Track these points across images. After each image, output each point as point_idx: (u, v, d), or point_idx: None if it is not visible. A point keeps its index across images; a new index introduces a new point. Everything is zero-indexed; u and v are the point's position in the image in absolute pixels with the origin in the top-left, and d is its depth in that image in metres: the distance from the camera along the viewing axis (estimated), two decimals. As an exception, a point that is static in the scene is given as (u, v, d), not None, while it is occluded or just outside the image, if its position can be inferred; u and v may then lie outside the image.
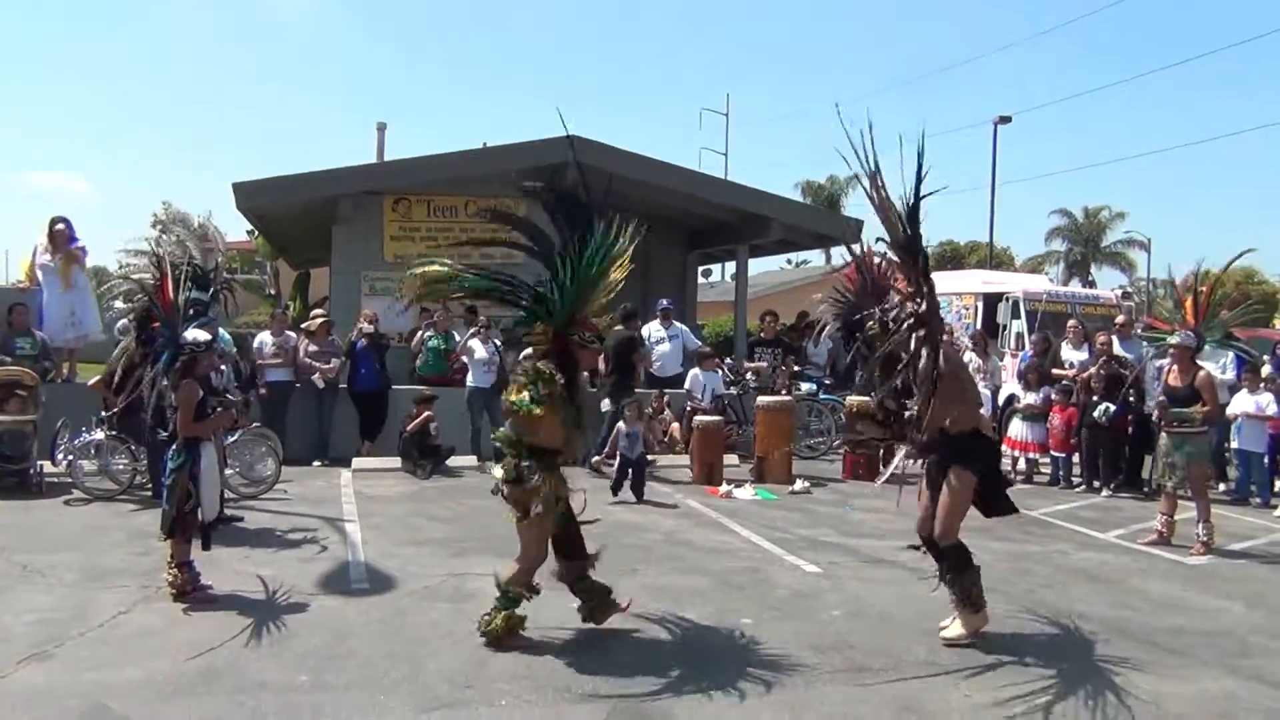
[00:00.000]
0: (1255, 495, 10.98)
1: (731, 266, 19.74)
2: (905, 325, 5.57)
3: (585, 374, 6.32)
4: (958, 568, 5.89)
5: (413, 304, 6.04)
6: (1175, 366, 8.61)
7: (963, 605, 5.88)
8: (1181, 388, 8.48)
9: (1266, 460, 10.98)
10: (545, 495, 5.65)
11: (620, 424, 10.69)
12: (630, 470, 10.26)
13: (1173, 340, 8.55)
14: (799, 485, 11.23)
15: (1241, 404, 10.91)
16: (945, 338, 5.88)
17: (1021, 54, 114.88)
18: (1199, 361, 8.75)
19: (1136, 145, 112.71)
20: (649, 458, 11.06)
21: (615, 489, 10.22)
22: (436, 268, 6.16)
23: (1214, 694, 5.19)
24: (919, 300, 5.56)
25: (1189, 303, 8.68)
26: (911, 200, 5.47)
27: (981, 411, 6.04)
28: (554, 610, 6.32)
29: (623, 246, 5.95)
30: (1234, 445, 11.13)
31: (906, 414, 5.87)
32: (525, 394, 5.59)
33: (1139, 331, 12.11)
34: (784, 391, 12.96)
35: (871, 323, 5.85)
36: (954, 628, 5.88)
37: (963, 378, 5.91)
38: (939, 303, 5.91)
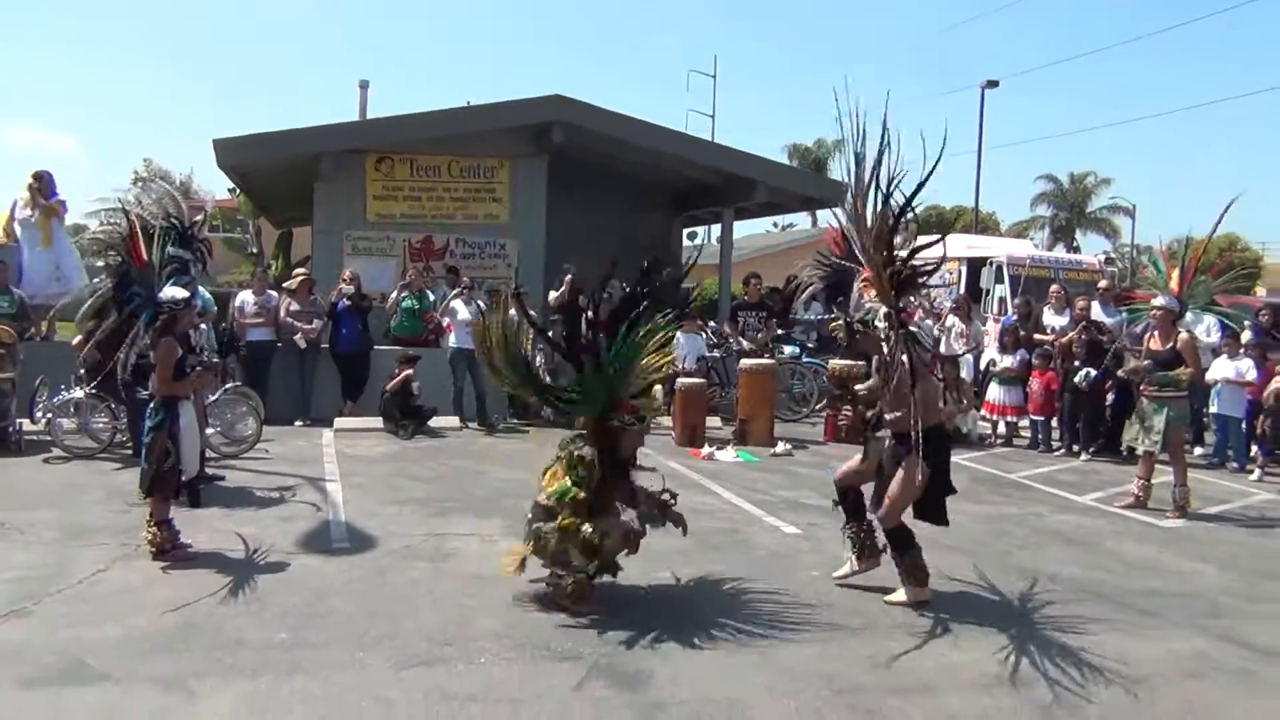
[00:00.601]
0: (1232, 460, 11.08)
1: (717, 230, 19.67)
2: (881, 334, 5.85)
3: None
4: (900, 548, 5.94)
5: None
6: (1157, 331, 8.65)
7: (907, 579, 5.93)
8: (1164, 351, 8.53)
9: (1244, 425, 11.07)
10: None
11: None
12: None
13: (1156, 303, 8.58)
14: (781, 448, 11.27)
15: (1221, 369, 10.99)
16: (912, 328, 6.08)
17: (1011, 18, 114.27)
18: (1179, 326, 8.79)
19: (1124, 111, 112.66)
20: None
21: None
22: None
23: (1184, 653, 5.27)
24: (893, 316, 5.74)
25: (1174, 270, 8.71)
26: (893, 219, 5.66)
27: (940, 405, 6.10)
28: (534, 570, 6.36)
29: (665, 334, 6.04)
30: (1213, 410, 11.22)
31: (870, 414, 6.23)
32: (567, 480, 5.62)
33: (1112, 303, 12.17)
34: (767, 354, 12.98)
35: (836, 325, 6.25)
36: (898, 595, 5.95)
37: (929, 383, 5.93)
38: (915, 309, 6.12)
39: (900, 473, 5.85)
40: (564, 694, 4.49)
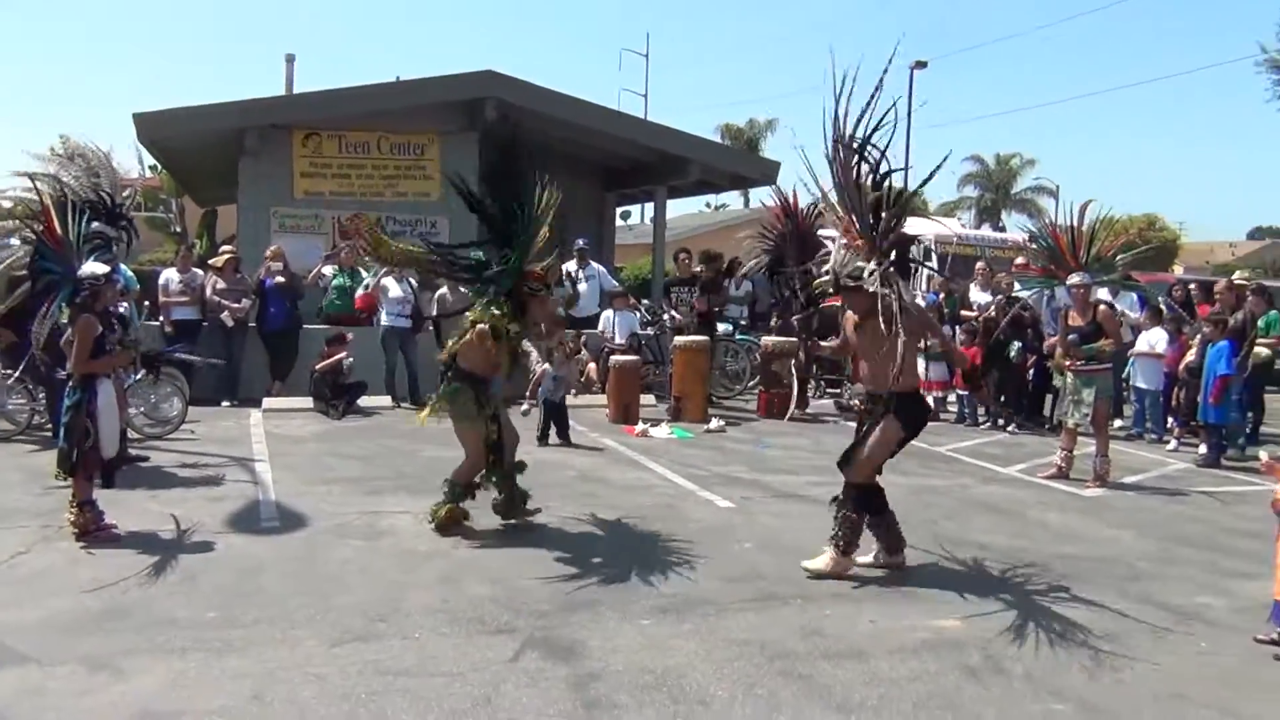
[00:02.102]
0: (1150, 431, 11.44)
1: (650, 210, 19.68)
2: (871, 281, 5.68)
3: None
4: (857, 506, 5.94)
5: (361, 252, 7.53)
6: (1075, 307, 8.87)
7: (835, 542, 5.93)
8: (1085, 325, 8.75)
9: (1161, 398, 11.42)
10: (462, 405, 6.57)
11: (547, 366, 10.55)
12: (553, 416, 10.16)
13: (1072, 280, 8.78)
14: (714, 424, 11.35)
15: (1138, 343, 11.32)
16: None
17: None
18: (1095, 299, 9.05)
19: (1048, 94, 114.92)
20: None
21: (542, 439, 10.04)
22: (405, 245, 7.27)
23: (1103, 615, 5.44)
24: (882, 259, 5.70)
25: (1063, 242, 8.88)
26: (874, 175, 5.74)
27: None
28: (469, 547, 6.36)
29: (552, 200, 6.68)
30: (1132, 383, 11.56)
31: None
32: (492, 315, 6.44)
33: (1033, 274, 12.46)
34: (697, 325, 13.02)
35: (822, 282, 6.19)
36: (819, 561, 5.94)
37: (912, 346, 5.90)
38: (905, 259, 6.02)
39: (877, 432, 5.88)
40: (499, 667, 4.49)
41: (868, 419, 6.05)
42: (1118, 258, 9.34)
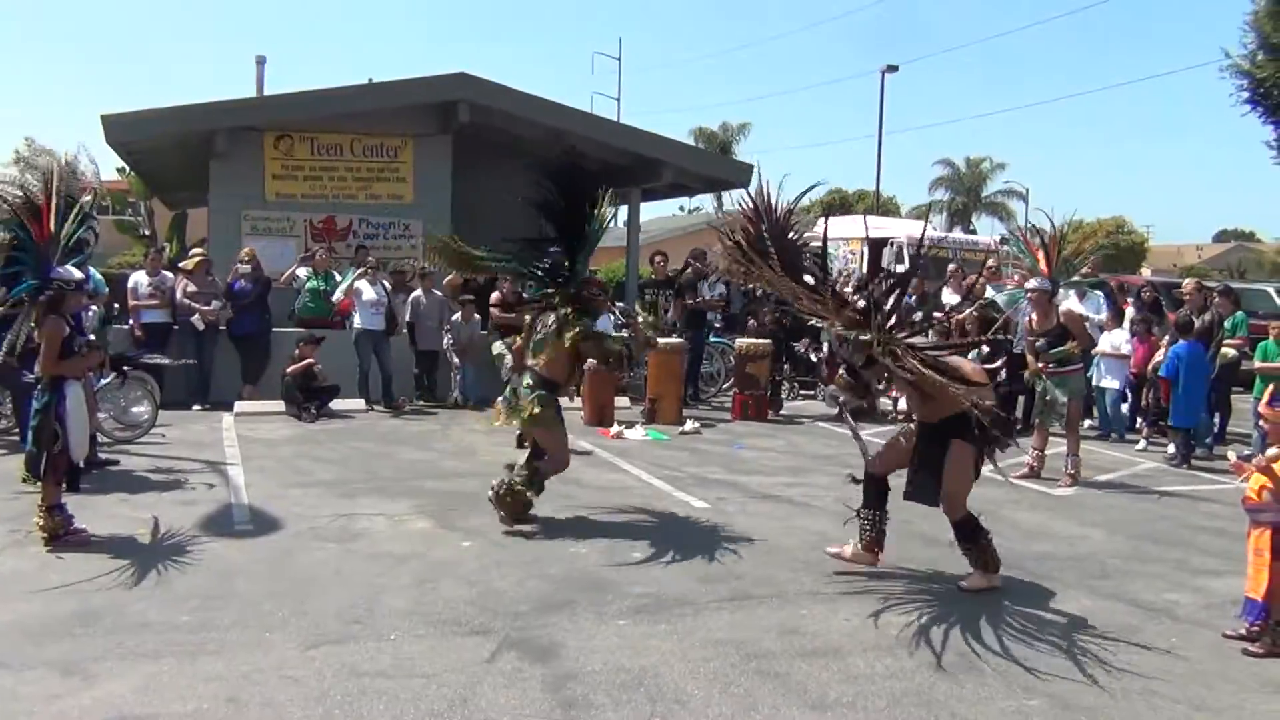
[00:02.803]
0: (1112, 430, 11.55)
1: (625, 213, 19.66)
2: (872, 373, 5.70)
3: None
4: (969, 537, 5.82)
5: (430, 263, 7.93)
6: (1035, 312, 9.00)
7: (980, 565, 5.84)
8: (1052, 329, 8.85)
9: (1128, 397, 11.56)
10: (550, 411, 6.87)
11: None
12: None
13: (1029, 285, 8.90)
14: (689, 425, 11.37)
15: (1100, 343, 11.42)
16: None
17: (912, 3, 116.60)
18: (1058, 301, 9.16)
19: (1018, 98, 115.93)
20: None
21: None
22: (469, 249, 7.72)
23: (1075, 612, 5.50)
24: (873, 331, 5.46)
25: (1040, 254, 9.04)
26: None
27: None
28: (445, 549, 6.34)
29: (606, 211, 7.18)
30: (1095, 383, 11.67)
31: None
32: (571, 333, 6.88)
33: (1010, 285, 12.58)
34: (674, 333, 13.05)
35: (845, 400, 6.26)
36: (972, 580, 5.84)
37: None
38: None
39: (949, 464, 5.68)
40: (475, 668, 4.49)
41: (922, 443, 5.86)
42: (1076, 260, 9.47)
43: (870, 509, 6.11)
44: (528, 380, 7.04)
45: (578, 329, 6.94)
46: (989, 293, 12.33)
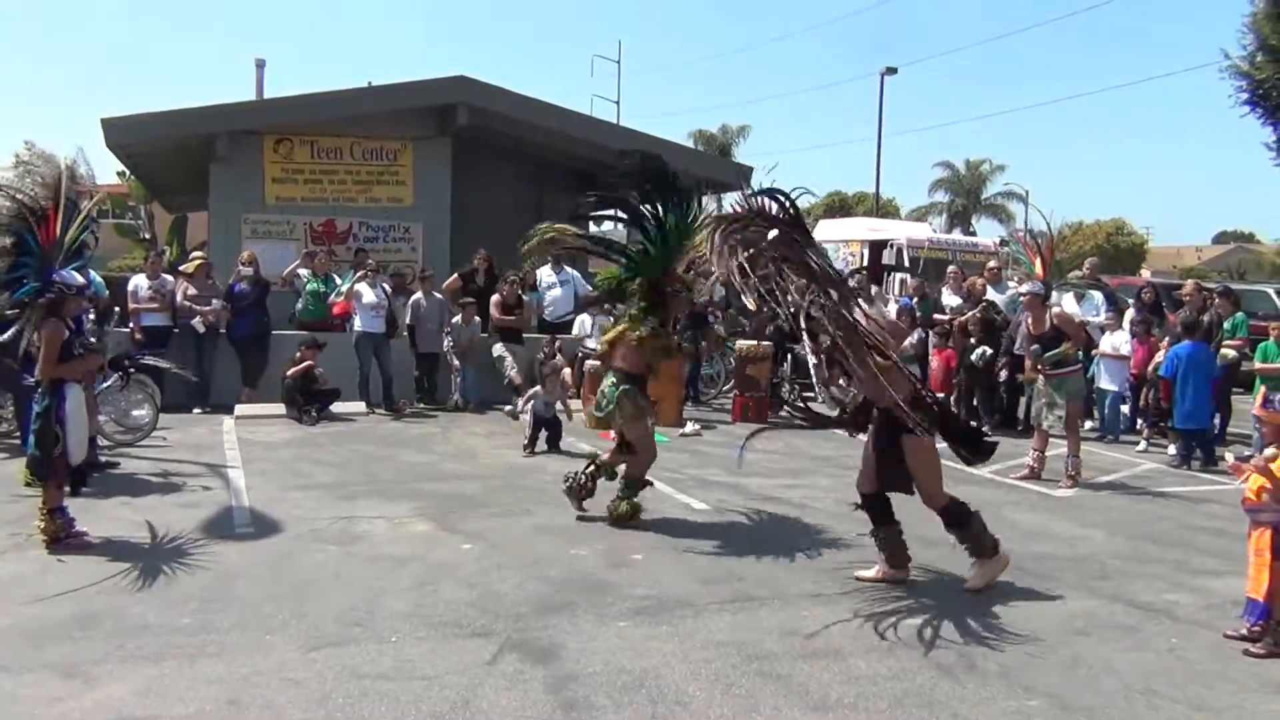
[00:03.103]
0: (1109, 431, 11.55)
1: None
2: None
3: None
4: (957, 523, 5.82)
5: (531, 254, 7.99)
6: (1030, 316, 9.02)
7: (977, 556, 5.83)
8: (1047, 331, 8.88)
9: (1128, 398, 11.56)
10: (636, 404, 7.05)
11: (538, 388, 10.45)
12: (545, 427, 10.09)
13: (1022, 290, 8.93)
14: (690, 428, 11.38)
15: (1101, 344, 11.42)
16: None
17: (910, 6, 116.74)
18: (1051, 304, 9.19)
19: (1018, 99, 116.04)
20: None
21: (530, 445, 9.88)
22: (560, 228, 7.84)
23: (1075, 613, 5.51)
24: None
25: (1037, 259, 9.07)
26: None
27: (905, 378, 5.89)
28: (445, 551, 6.34)
29: (704, 220, 6.93)
30: (1096, 383, 11.68)
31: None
32: (643, 328, 7.09)
33: (1013, 284, 12.59)
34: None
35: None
36: (975, 578, 5.82)
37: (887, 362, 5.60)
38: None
39: (911, 462, 5.69)
40: (476, 669, 4.48)
41: (882, 441, 5.84)
42: (1065, 263, 9.54)
43: (879, 526, 6.00)
44: (611, 379, 7.21)
45: (644, 329, 7.12)
46: (990, 294, 12.36)
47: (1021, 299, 9.00)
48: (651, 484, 7.35)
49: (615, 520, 7.00)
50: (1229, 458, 5.38)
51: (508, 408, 10.27)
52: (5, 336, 6.38)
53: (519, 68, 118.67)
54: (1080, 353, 9.06)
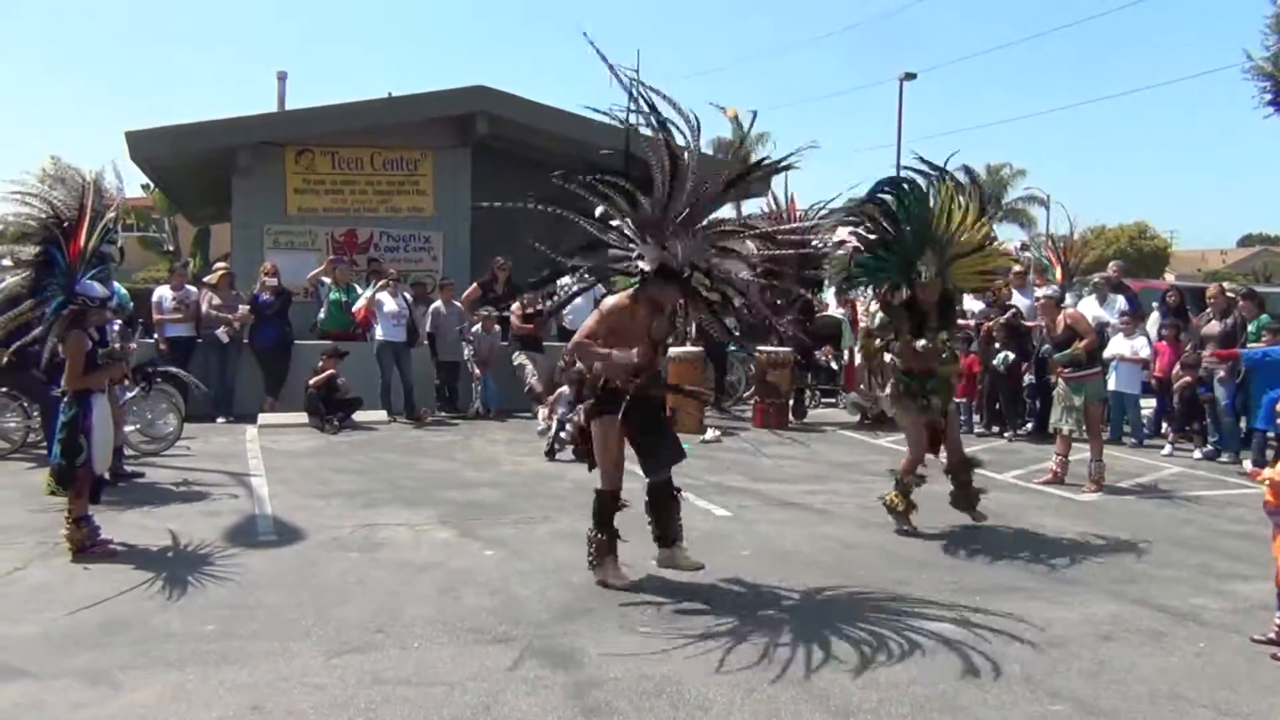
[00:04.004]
0: (1129, 435, 11.44)
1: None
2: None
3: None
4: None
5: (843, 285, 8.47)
6: (1045, 319, 9.03)
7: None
8: (1059, 335, 8.87)
9: (1148, 404, 11.48)
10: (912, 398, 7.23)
11: (564, 389, 10.42)
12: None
13: (1038, 294, 8.94)
14: (710, 434, 11.36)
15: (1117, 347, 11.28)
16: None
17: (928, 11, 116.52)
18: (1066, 306, 9.21)
19: (1037, 104, 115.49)
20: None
21: (551, 454, 9.86)
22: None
23: (1100, 617, 5.46)
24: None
25: (1059, 265, 9.12)
26: None
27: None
28: (466, 558, 6.36)
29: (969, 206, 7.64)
30: (1110, 387, 11.50)
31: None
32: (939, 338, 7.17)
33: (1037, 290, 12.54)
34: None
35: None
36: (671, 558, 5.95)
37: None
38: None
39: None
40: (498, 675, 4.49)
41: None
42: (1080, 265, 9.55)
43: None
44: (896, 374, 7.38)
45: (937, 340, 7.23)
46: (1015, 298, 12.29)
47: (1038, 303, 8.99)
48: (923, 480, 7.41)
49: (889, 510, 7.25)
50: (1246, 465, 5.33)
51: (539, 428, 10.21)
52: (20, 343, 6.43)
53: (538, 78, 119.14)
54: (1088, 356, 8.97)
